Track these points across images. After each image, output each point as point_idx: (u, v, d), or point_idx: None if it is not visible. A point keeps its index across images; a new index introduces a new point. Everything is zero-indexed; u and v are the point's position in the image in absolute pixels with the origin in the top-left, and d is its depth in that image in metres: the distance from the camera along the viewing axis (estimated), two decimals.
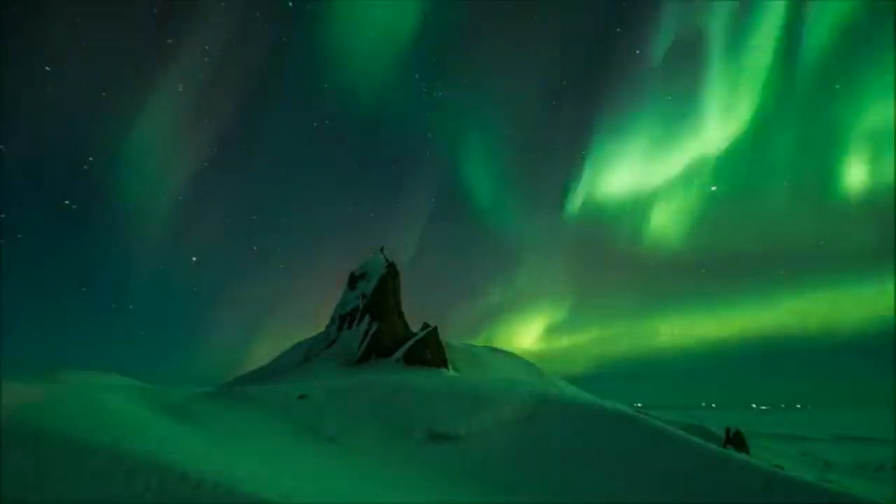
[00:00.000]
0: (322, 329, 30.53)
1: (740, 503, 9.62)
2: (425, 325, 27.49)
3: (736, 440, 21.43)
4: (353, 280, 30.82)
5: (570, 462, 11.85)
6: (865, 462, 26.48)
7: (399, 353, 24.82)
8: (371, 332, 26.02)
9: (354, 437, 12.81)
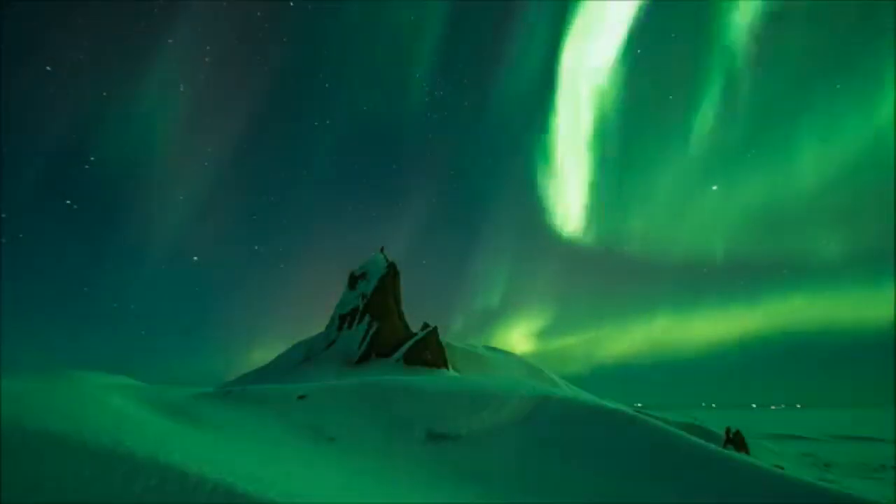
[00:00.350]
0: (322, 329, 30.55)
1: (740, 503, 9.62)
2: (425, 326, 27.49)
3: (736, 440, 21.41)
4: (353, 280, 30.82)
5: (569, 462, 11.85)
6: (865, 462, 26.47)
7: (399, 353, 24.81)
8: (371, 332, 26.01)
9: (354, 437, 12.81)
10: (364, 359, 25.12)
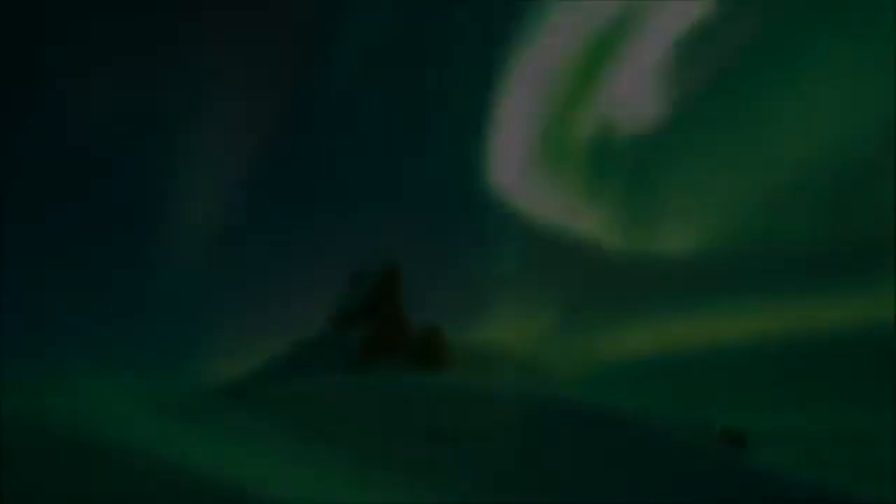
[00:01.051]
0: (322, 329, 30.59)
1: (740, 503, 9.63)
2: (426, 326, 27.51)
3: (736, 440, 21.40)
4: (354, 280, 30.87)
5: (569, 462, 11.86)
6: (865, 462, 26.44)
7: (400, 354, 24.85)
8: (371, 333, 26.05)
9: (355, 437, 12.83)
10: (364, 358, 25.15)
